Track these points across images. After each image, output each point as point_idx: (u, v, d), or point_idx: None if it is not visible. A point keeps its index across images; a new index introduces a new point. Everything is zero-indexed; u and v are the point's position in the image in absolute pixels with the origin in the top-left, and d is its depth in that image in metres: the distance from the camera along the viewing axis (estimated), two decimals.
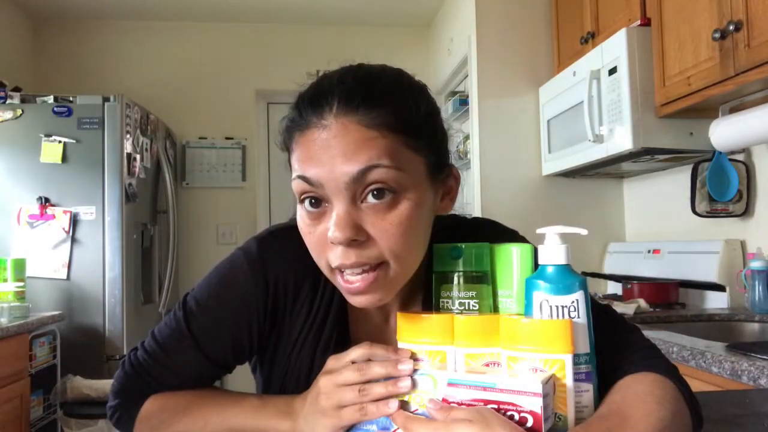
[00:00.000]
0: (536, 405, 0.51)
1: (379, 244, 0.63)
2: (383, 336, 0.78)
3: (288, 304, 0.76)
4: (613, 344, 0.68)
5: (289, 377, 0.78)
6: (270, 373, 0.80)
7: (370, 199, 0.63)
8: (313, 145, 0.64)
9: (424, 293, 0.76)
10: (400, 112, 0.65)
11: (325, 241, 0.65)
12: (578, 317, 0.57)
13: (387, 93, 0.66)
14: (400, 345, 0.63)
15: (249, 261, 0.75)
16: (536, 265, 0.61)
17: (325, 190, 0.64)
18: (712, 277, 2.01)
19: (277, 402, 0.73)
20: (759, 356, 1.16)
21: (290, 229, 0.74)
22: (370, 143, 0.62)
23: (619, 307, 1.95)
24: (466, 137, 3.04)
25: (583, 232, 0.61)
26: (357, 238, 0.62)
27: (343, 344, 0.75)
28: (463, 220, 0.84)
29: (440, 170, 0.70)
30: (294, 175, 0.67)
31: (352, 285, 0.65)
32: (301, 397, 0.70)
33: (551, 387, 0.53)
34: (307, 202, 0.66)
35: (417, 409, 0.57)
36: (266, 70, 3.73)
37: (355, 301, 0.66)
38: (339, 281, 0.66)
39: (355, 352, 0.65)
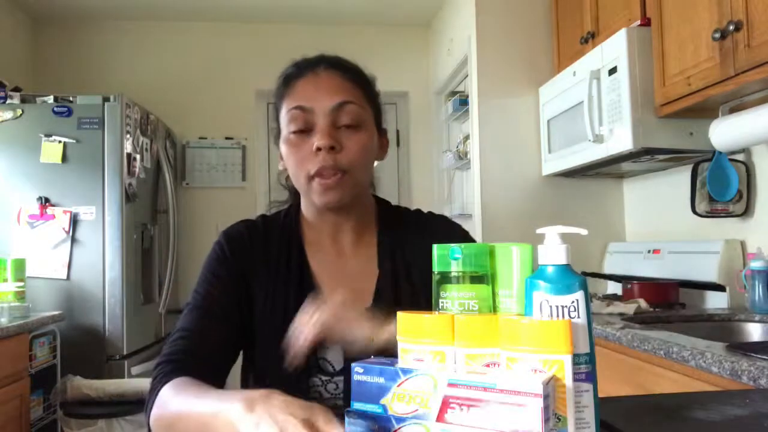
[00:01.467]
0: (537, 406, 0.51)
1: (347, 153, 0.92)
2: (338, 268, 1.01)
3: (251, 269, 0.98)
4: None
5: (268, 320, 0.95)
6: (251, 326, 0.97)
7: (344, 123, 0.93)
8: (309, 86, 0.95)
9: (378, 241, 1.03)
10: (361, 77, 0.99)
11: (308, 154, 0.92)
12: (578, 317, 0.57)
13: (354, 66, 1.00)
14: (400, 345, 0.63)
15: (219, 246, 1.01)
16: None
17: (314, 115, 0.92)
18: (712, 277, 2.01)
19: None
20: (759, 356, 1.16)
21: (245, 221, 1.06)
22: (346, 87, 0.95)
23: (619, 307, 1.95)
24: (466, 137, 3.04)
25: (583, 232, 0.61)
26: (335, 146, 0.91)
27: (306, 279, 0.98)
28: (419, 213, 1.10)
29: (380, 128, 1.02)
30: (290, 107, 0.94)
31: (327, 181, 0.91)
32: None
33: (552, 387, 0.53)
34: (294, 127, 0.93)
35: (417, 410, 0.57)
36: (266, 70, 3.67)
37: (326, 197, 0.93)
38: (315, 184, 0.93)
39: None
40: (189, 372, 0.85)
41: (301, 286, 0.97)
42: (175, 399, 0.78)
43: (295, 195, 1.07)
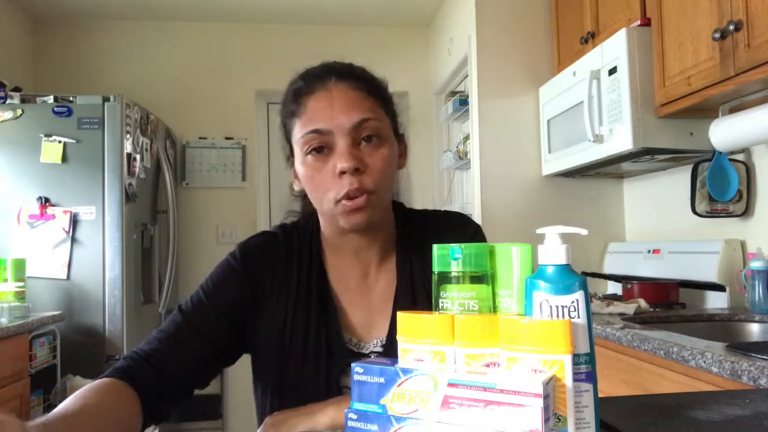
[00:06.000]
0: (537, 406, 0.51)
1: (372, 173, 0.87)
2: (362, 291, 0.97)
3: (267, 287, 0.95)
4: None
5: (288, 344, 0.93)
6: (260, 356, 0.96)
7: (365, 141, 0.88)
8: (322, 104, 0.88)
9: (397, 252, 0.99)
10: (374, 84, 0.93)
11: (331, 177, 0.87)
12: (578, 317, 0.57)
13: (365, 73, 0.94)
14: (400, 345, 0.63)
15: (233, 258, 0.97)
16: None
17: (333, 136, 0.87)
18: (712, 277, 2.01)
19: None
20: (759, 356, 1.16)
21: (264, 234, 1.01)
22: (361, 102, 0.89)
23: (619, 307, 1.95)
24: (466, 137, 3.04)
25: (583, 232, 0.61)
26: (359, 167, 0.86)
27: (328, 303, 0.95)
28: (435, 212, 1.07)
29: (398, 134, 0.97)
30: (305, 131, 0.88)
31: (354, 203, 0.86)
32: None
33: (552, 387, 0.53)
34: (314, 150, 0.88)
35: (417, 410, 0.57)
36: (266, 70, 3.73)
37: (354, 218, 0.88)
38: (341, 207, 0.87)
39: None
40: (133, 378, 0.83)
41: (322, 310, 0.95)
42: (66, 401, 0.74)
43: (308, 207, 1.02)
